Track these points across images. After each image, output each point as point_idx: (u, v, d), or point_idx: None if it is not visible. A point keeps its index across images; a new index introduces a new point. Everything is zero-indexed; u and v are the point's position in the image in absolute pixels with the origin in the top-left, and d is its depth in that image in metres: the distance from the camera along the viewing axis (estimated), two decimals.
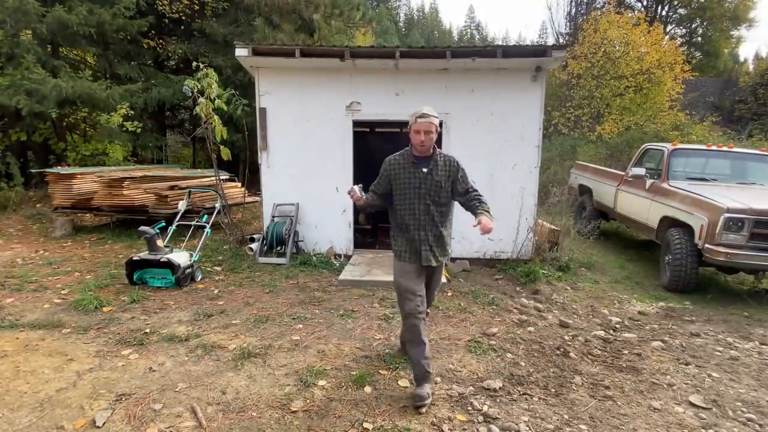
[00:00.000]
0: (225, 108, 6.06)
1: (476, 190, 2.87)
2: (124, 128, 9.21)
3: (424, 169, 2.78)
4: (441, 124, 5.94)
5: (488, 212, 2.70)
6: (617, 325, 4.20)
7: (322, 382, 2.92)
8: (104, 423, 2.44)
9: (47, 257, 5.80)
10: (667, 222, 5.67)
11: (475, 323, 4.02)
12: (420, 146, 2.73)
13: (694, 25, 26.82)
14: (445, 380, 3.04)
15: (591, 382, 3.11)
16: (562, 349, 3.57)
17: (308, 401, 2.71)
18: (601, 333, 3.97)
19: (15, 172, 9.28)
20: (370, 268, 5.48)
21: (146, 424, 2.45)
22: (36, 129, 9.78)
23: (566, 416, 2.68)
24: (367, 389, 2.87)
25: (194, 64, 6.09)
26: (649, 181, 6.29)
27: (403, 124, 8.34)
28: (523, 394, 2.90)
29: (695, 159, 6.53)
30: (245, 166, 10.33)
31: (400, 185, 2.83)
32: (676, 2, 25.71)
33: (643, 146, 7.41)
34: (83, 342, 3.43)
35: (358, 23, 13.62)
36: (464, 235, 5.88)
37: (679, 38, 25.09)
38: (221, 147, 5.96)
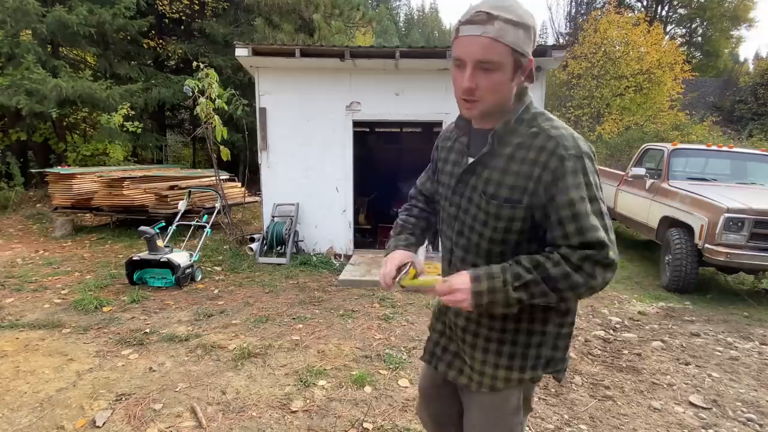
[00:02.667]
0: (226, 108, 6.07)
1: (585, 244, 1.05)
2: (125, 128, 9.22)
3: (470, 158, 1.21)
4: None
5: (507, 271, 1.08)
6: (617, 325, 4.19)
7: (322, 382, 2.92)
8: (104, 423, 2.44)
9: (47, 257, 5.80)
10: (667, 222, 5.66)
11: None
12: (465, 105, 1.12)
13: (694, 25, 26.84)
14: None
15: (591, 382, 3.11)
16: None
17: (308, 401, 2.71)
18: (601, 333, 3.97)
19: (15, 172, 9.30)
20: (370, 268, 5.47)
21: (146, 424, 2.44)
22: (36, 129, 9.80)
23: (566, 416, 2.68)
24: (367, 389, 2.86)
25: (194, 64, 6.09)
26: (649, 181, 6.29)
27: (403, 124, 8.39)
28: None
29: (695, 159, 6.53)
30: (245, 166, 10.35)
31: (439, 185, 1.35)
32: (676, 2, 25.72)
33: (643, 146, 7.41)
34: (83, 342, 3.43)
35: (358, 23, 13.65)
36: None
37: (679, 38, 25.10)
38: (221, 147, 5.96)
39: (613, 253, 1.06)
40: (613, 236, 1.08)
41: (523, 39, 1.04)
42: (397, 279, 1.21)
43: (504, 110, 1.13)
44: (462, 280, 1.08)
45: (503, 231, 1.13)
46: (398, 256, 1.28)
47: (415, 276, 1.22)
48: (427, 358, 1.41)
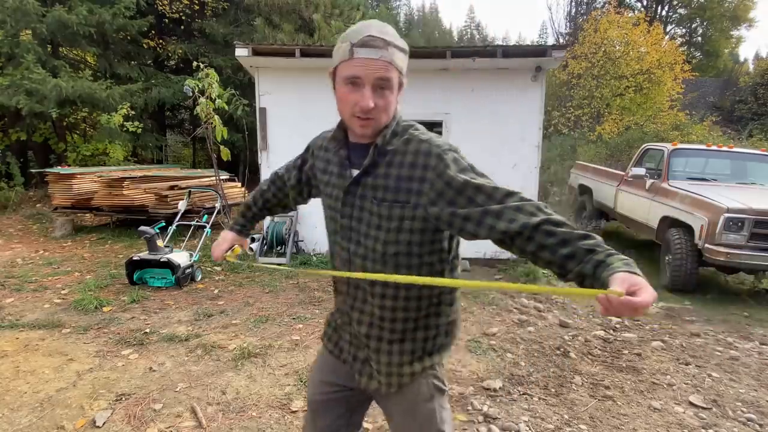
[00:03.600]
0: (226, 108, 6.07)
1: (541, 211, 1.07)
2: (125, 128, 9.23)
3: (355, 171, 1.25)
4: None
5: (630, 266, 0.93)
6: (617, 325, 4.20)
7: None
8: (104, 423, 2.44)
9: (47, 257, 5.80)
10: (667, 222, 5.67)
11: (475, 323, 4.02)
12: (361, 123, 1.17)
13: (694, 25, 26.84)
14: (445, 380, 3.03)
15: (591, 382, 3.11)
16: (562, 349, 3.57)
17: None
18: (601, 333, 3.97)
19: (15, 172, 9.30)
20: None
21: (146, 424, 2.45)
22: (36, 129, 9.81)
23: (566, 416, 2.68)
24: None
25: (194, 64, 6.10)
26: (649, 181, 6.29)
27: None
28: (523, 394, 2.90)
29: (695, 159, 6.53)
30: (245, 166, 10.36)
31: (323, 196, 1.38)
32: (676, 2, 25.72)
33: (643, 146, 7.41)
34: (83, 342, 3.43)
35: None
36: None
37: (679, 38, 25.10)
38: (221, 147, 5.96)
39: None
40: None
41: (405, 63, 1.20)
42: (225, 254, 1.64)
43: (382, 125, 1.22)
44: (639, 279, 0.90)
45: (396, 231, 1.19)
46: (231, 238, 1.63)
47: (238, 255, 1.68)
48: (369, 383, 1.35)
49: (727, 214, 4.76)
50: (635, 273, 0.91)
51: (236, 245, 1.65)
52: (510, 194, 1.10)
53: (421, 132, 1.24)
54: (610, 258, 0.96)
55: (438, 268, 1.26)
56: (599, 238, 1.02)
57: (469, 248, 5.92)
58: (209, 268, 5.42)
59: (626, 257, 0.97)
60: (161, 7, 11.57)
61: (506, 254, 5.84)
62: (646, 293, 0.86)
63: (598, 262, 0.96)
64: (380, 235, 1.20)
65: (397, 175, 1.17)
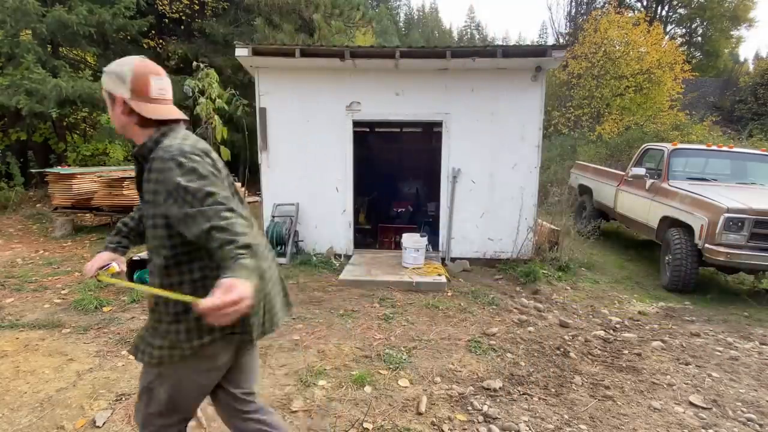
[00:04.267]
0: (226, 108, 6.07)
1: (214, 221, 1.25)
2: None
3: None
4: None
5: (243, 268, 1.18)
6: (617, 325, 4.20)
7: (322, 382, 2.92)
8: (104, 423, 2.44)
9: (47, 257, 5.80)
10: (667, 222, 5.67)
11: (475, 323, 4.02)
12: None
13: (694, 25, 26.84)
14: (445, 380, 3.04)
15: (591, 382, 3.11)
16: (562, 349, 3.57)
17: (308, 401, 2.71)
18: (601, 333, 3.97)
19: (15, 172, 9.29)
20: (370, 268, 5.47)
21: None
22: (36, 129, 9.80)
23: (566, 416, 2.68)
24: (367, 389, 2.87)
25: (194, 64, 6.10)
26: (649, 181, 6.29)
27: (403, 124, 8.39)
28: (523, 394, 2.90)
29: (695, 159, 6.53)
30: (245, 166, 10.34)
31: None
32: (676, 2, 25.72)
33: (643, 146, 7.41)
34: (83, 342, 3.43)
35: (358, 23, 13.64)
36: (464, 234, 5.89)
37: (679, 38, 25.11)
38: (221, 147, 5.96)
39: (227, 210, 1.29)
40: (221, 196, 1.30)
41: (111, 82, 1.44)
42: (98, 272, 1.60)
43: (132, 135, 1.49)
44: (233, 282, 1.14)
45: (152, 227, 1.42)
46: (106, 256, 1.65)
47: (114, 274, 1.64)
48: (132, 351, 1.54)
49: (727, 214, 4.76)
50: (234, 276, 1.14)
51: (112, 264, 1.65)
52: (209, 195, 1.28)
53: (172, 138, 1.42)
54: (234, 265, 1.17)
55: (182, 259, 1.43)
56: (241, 240, 1.21)
57: (469, 249, 5.93)
58: None
59: (246, 257, 1.19)
60: (161, 7, 11.56)
61: (506, 254, 5.85)
62: (236, 299, 1.10)
63: (227, 268, 1.18)
64: (149, 231, 1.45)
65: (147, 179, 1.40)
